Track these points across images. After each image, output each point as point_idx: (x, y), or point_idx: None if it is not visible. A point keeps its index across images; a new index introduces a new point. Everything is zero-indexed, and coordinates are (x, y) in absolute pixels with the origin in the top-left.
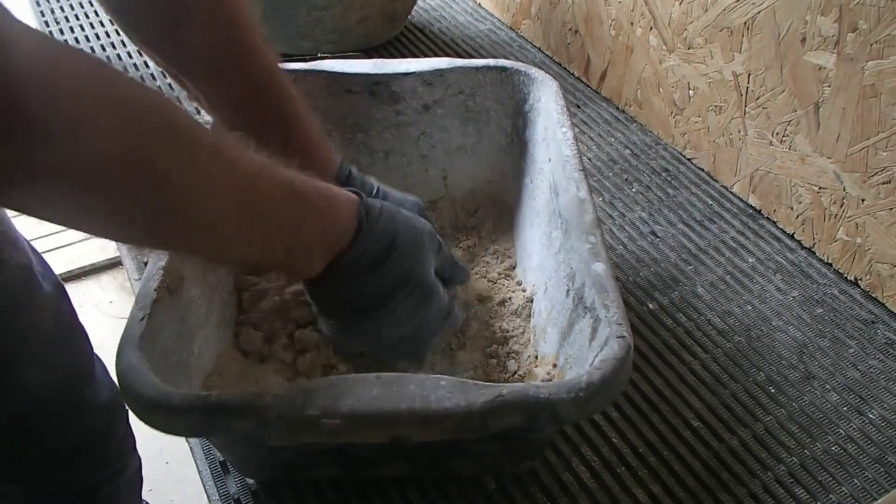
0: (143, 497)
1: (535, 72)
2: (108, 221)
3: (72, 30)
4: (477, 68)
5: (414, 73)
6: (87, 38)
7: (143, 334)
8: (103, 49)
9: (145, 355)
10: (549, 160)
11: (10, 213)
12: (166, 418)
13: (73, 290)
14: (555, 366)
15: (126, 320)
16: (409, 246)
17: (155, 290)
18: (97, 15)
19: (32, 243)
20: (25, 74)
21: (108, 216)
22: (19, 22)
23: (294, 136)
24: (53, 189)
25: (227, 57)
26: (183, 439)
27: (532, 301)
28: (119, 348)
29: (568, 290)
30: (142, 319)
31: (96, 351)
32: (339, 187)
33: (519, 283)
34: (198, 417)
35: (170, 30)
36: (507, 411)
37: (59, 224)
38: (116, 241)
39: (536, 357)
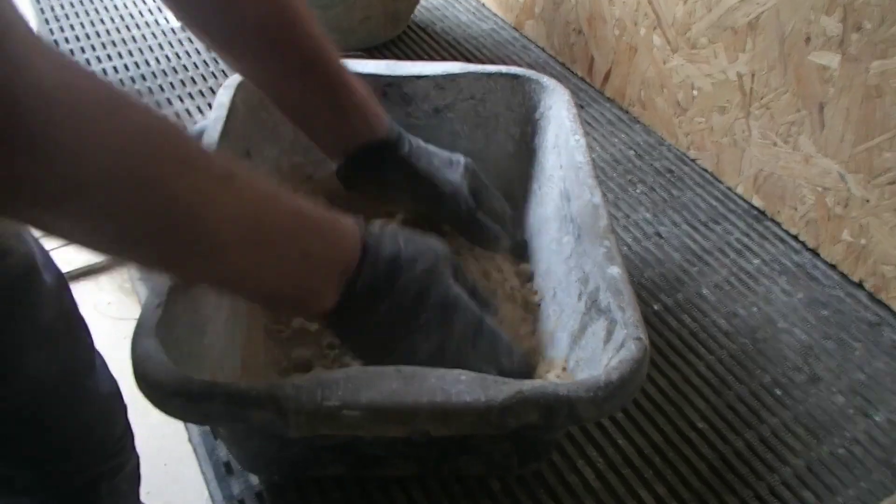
0: (142, 499)
1: (546, 80)
2: (117, 243)
3: (72, 27)
4: (489, 74)
5: (427, 76)
6: (87, 35)
7: (159, 322)
8: (104, 47)
9: (161, 343)
10: (561, 167)
11: None
12: (183, 406)
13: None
14: (564, 369)
15: (124, 321)
16: (417, 266)
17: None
18: (97, 13)
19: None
20: (34, 96)
21: (116, 238)
22: (37, 41)
23: (346, 101)
24: (59, 208)
25: (277, 29)
26: (183, 441)
27: (539, 305)
28: (134, 335)
29: (580, 294)
30: (158, 307)
31: (98, 350)
32: (342, 214)
33: (529, 288)
34: (216, 406)
35: (220, 5)
36: (526, 408)
37: (69, 242)
38: (128, 262)
39: (544, 360)
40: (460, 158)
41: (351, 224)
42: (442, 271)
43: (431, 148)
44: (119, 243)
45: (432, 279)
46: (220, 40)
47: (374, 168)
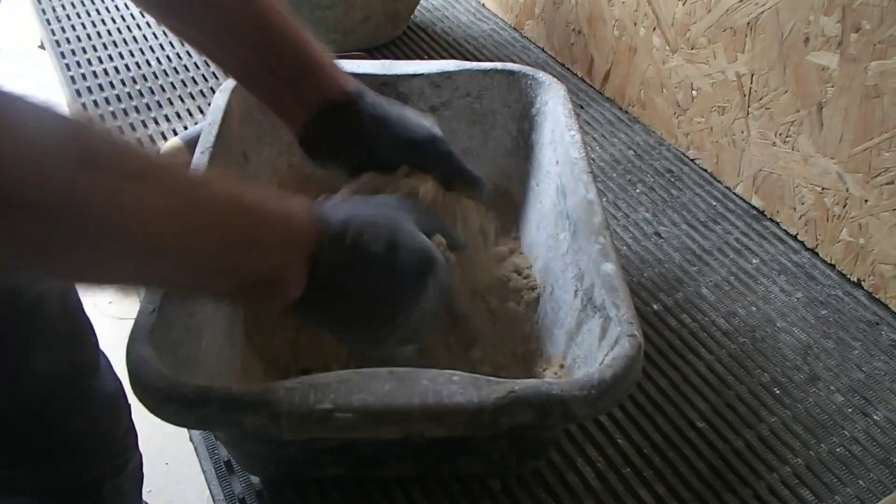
0: (143, 498)
1: (542, 75)
2: (38, 264)
3: (73, 27)
4: (485, 71)
5: (422, 74)
6: (87, 35)
7: (153, 327)
8: (104, 47)
9: (155, 348)
10: (557, 163)
11: None
12: (177, 411)
13: None
14: (562, 366)
15: (125, 321)
16: (378, 226)
17: None
18: (98, 14)
19: None
20: None
21: (35, 258)
22: None
23: (310, 63)
24: None
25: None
26: (184, 440)
27: (538, 302)
28: (129, 341)
29: (576, 291)
30: (152, 312)
31: (102, 350)
32: (292, 196)
33: (525, 283)
34: (210, 411)
35: None
36: (519, 408)
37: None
38: (59, 280)
39: (542, 358)
40: (425, 123)
41: (299, 200)
42: (402, 224)
43: (392, 108)
44: (42, 265)
45: (397, 234)
46: (175, 13)
47: (346, 119)
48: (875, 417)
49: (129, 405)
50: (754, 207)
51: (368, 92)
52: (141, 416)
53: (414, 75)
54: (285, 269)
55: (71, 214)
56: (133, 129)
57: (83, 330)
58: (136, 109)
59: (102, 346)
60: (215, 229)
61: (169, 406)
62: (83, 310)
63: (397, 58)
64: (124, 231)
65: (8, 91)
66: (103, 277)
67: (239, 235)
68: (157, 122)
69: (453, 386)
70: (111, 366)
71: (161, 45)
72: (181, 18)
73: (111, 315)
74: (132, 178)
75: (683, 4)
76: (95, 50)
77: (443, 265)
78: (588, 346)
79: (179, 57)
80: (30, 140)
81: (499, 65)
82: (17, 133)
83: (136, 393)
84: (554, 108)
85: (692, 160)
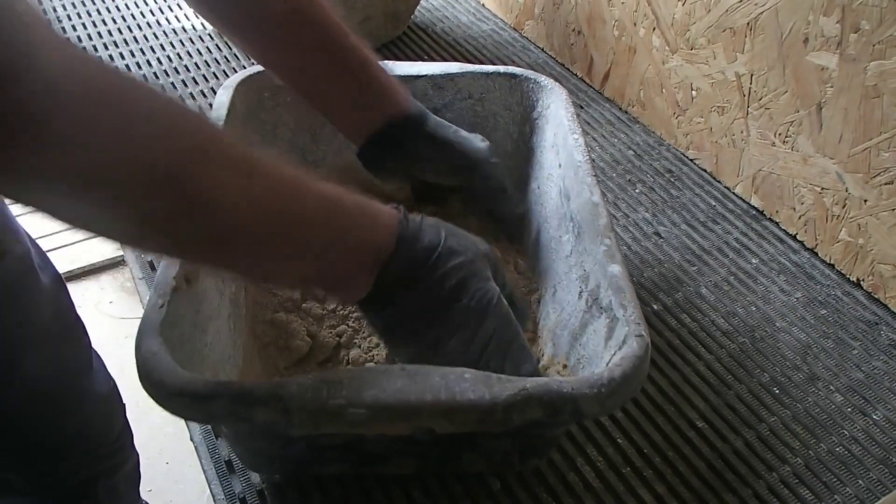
0: (143, 497)
1: (544, 80)
2: (127, 231)
3: (73, 28)
4: (487, 74)
5: (424, 75)
6: (89, 36)
7: (162, 322)
8: (105, 48)
9: (165, 342)
10: (560, 166)
11: (9, 204)
12: (189, 405)
13: (72, 289)
14: (565, 366)
15: (125, 320)
16: (456, 259)
17: (174, 278)
18: (99, 14)
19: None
20: (38, 82)
21: (126, 226)
22: (49, 32)
23: (370, 79)
24: (63, 194)
25: (301, 12)
26: (184, 440)
27: (538, 304)
28: (139, 335)
29: (581, 292)
30: (161, 307)
31: (96, 350)
32: (378, 202)
33: (526, 286)
34: (221, 405)
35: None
36: (530, 405)
37: (81, 230)
38: (143, 250)
39: (545, 358)
40: (477, 134)
41: (388, 210)
42: (481, 268)
43: (454, 133)
44: (130, 231)
45: (471, 275)
46: (240, 26)
47: (402, 142)
48: (874, 417)
49: (124, 405)
50: (754, 207)
51: (429, 115)
52: (141, 416)
53: (417, 76)
54: (356, 272)
55: (177, 197)
56: None
57: (75, 331)
58: None
59: (103, 344)
60: (304, 228)
61: (179, 400)
62: (75, 311)
63: (397, 58)
64: (219, 218)
65: (129, 77)
66: (184, 256)
67: (325, 236)
68: None
69: (465, 383)
70: (104, 366)
71: (161, 45)
72: (239, 26)
73: (112, 315)
74: (242, 170)
75: (683, 5)
76: (96, 50)
77: (503, 315)
78: (594, 346)
79: (180, 57)
80: (144, 123)
81: (501, 68)
82: (132, 116)
83: (145, 387)
84: (556, 111)
85: (692, 160)
